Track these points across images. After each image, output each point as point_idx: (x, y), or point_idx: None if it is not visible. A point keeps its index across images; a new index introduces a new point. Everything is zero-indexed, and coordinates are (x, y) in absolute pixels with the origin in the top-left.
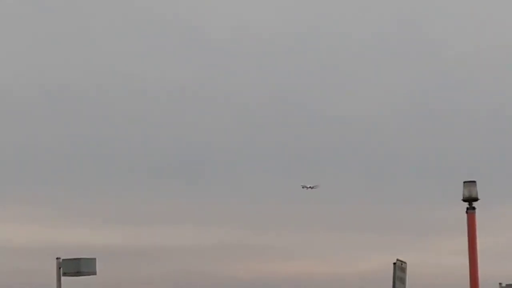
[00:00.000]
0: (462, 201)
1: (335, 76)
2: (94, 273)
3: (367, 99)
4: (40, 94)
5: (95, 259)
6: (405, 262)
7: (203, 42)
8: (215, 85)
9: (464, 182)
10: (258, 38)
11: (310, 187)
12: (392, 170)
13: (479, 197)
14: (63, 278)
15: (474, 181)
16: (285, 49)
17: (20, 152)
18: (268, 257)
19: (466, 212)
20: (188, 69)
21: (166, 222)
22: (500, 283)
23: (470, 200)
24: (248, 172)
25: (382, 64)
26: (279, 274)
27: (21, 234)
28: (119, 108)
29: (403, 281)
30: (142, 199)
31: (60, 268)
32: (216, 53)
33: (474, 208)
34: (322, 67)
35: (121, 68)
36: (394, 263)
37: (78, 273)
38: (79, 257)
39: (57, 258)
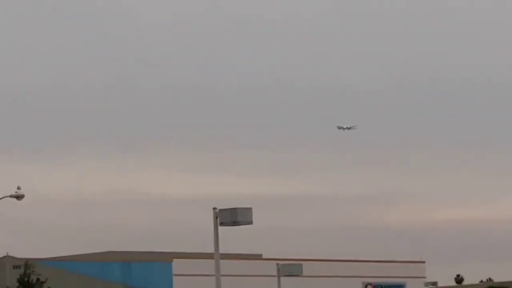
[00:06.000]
0: None
1: None
2: (251, 222)
3: None
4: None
5: (251, 208)
6: None
7: None
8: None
9: None
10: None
11: (346, 127)
12: None
13: None
14: (220, 228)
15: None
16: None
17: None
18: (419, 205)
19: None
20: None
21: (313, 171)
22: None
23: None
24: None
25: None
26: (429, 222)
27: (174, 183)
28: None
29: None
30: (293, 149)
31: (217, 218)
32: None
33: None
34: None
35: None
36: None
37: (234, 223)
38: (235, 206)
39: (213, 208)
